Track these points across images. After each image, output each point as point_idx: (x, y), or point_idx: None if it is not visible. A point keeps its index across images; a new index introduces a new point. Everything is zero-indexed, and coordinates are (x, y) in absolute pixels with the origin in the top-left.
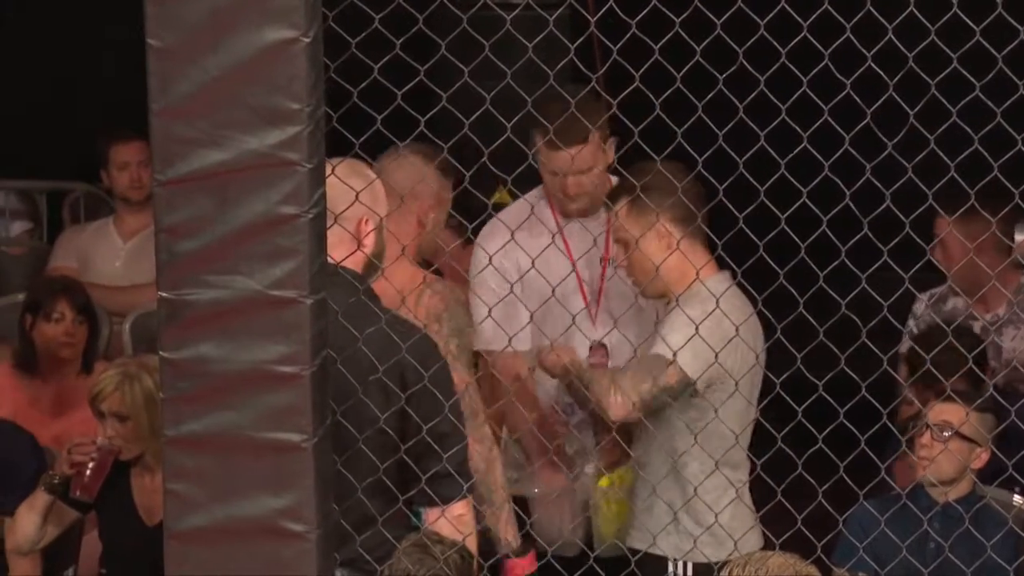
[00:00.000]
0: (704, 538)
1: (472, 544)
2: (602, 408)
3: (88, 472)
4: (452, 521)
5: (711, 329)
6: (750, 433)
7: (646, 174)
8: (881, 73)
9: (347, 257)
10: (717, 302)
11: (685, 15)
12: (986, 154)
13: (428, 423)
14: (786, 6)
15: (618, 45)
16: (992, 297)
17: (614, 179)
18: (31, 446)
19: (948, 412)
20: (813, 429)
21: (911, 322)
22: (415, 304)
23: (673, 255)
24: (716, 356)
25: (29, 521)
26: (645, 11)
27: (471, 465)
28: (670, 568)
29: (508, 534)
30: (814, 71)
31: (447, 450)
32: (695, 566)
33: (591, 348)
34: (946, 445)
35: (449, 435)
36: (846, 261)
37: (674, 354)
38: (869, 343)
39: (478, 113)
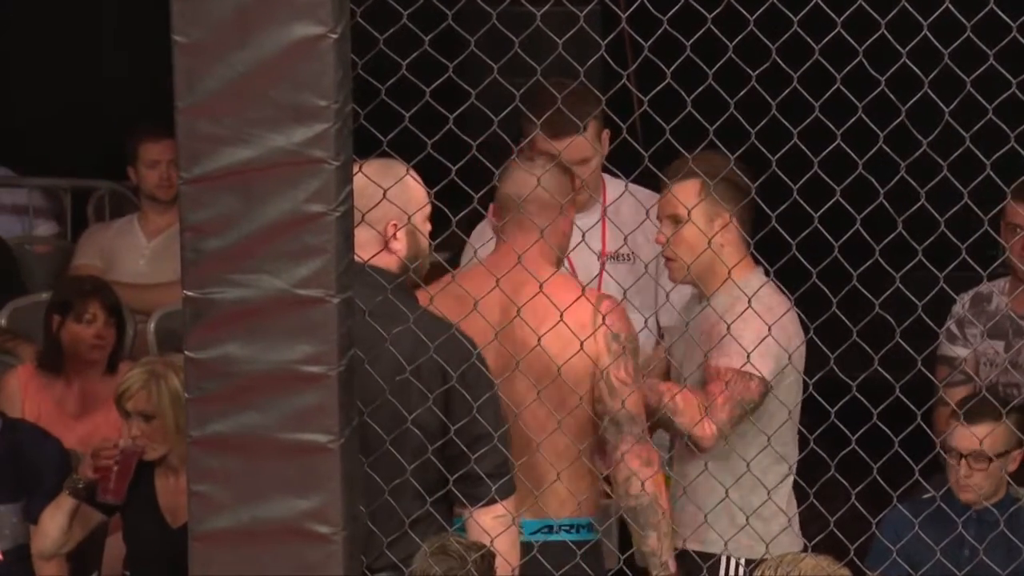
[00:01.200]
0: (757, 534)
1: (513, 545)
2: (694, 439)
3: (113, 476)
4: (492, 522)
5: (777, 329)
6: (796, 429)
7: (713, 162)
8: (916, 70)
9: (375, 256)
10: (749, 301)
11: (717, 11)
12: (1022, 151)
13: (470, 423)
14: (820, 3)
15: (649, 41)
16: None
17: (606, 177)
18: (58, 452)
19: (977, 436)
20: (846, 430)
21: (951, 323)
22: (591, 326)
23: (725, 251)
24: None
25: (55, 526)
26: (677, 7)
27: (634, 490)
28: (722, 565)
29: (670, 561)
30: (848, 68)
31: (486, 451)
32: (748, 562)
33: None
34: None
35: (489, 435)
36: (880, 260)
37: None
38: (903, 343)
39: (507, 110)
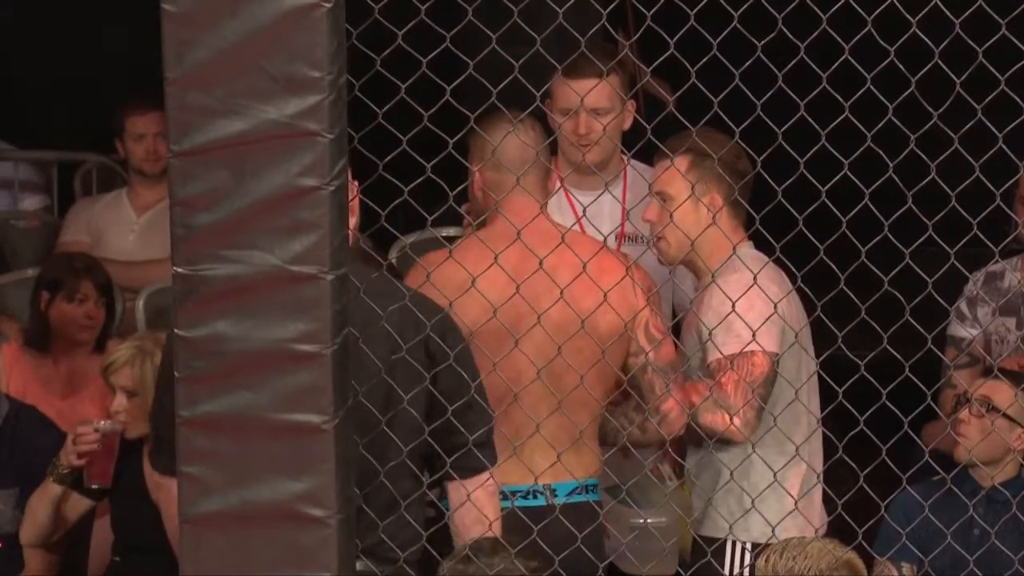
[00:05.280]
0: (765, 518)
1: (496, 513)
2: (725, 436)
3: (98, 459)
4: (481, 491)
5: (764, 298)
6: (817, 406)
7: (709, 140)
8: (926, 40)
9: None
10: (755, 278)
11: None
12: None
13: (454, 397)
14: None
15: (652, 10)
16: None
17: (626, 158)
18: (58, 442)
19: (990, 390)
20: (854, 410)
21: (961, 303)
22: (632, 284)
23: (712, 231)
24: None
25: (42, 513)
26: None
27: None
28: (728, 549)
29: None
30: (856, 38)
31: (473, 422)
32: (755, 546)
33: None
34: (992, 424)
35: (474, 407)
36: (889, 236)
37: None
38: (913, 321)
39: (507, 81)
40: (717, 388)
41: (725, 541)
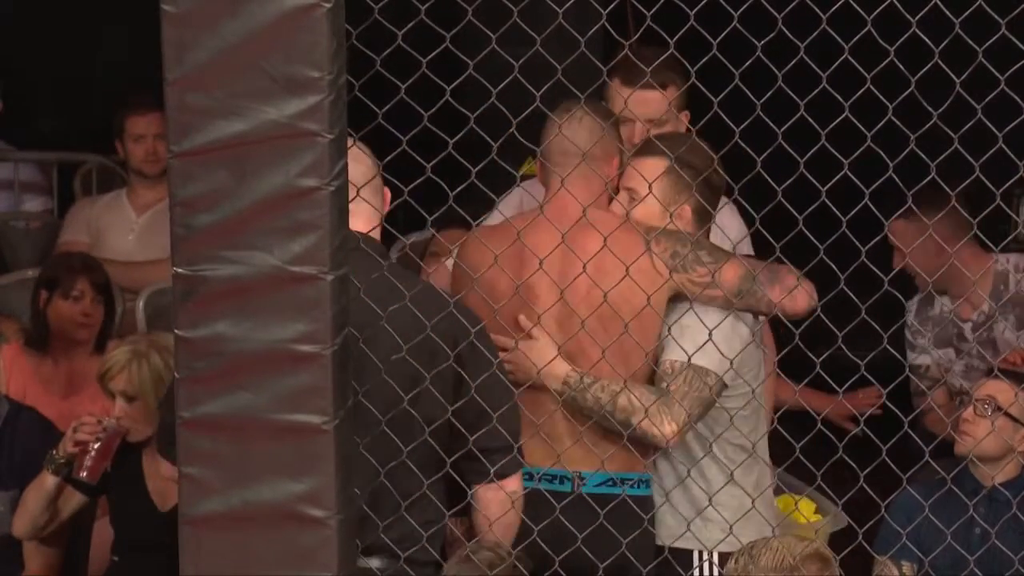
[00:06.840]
0: (726, 526)
1: (510, 526)
2: (655, 439)
3: (92, 453)
4: (498, 499)
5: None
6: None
7: (688, 148)
8: (926, 39)
9: (373, 229)
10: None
11: None
12: None
13: (480, 395)
14: None
15: (652, 10)
16: (974, 292)
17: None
18: (56, 442)
19: (994, 389)
20: (855, 411)
21: (908, 334)
22: (649, 266)
23: None
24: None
25: (34, 504)
26: None
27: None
28: (695, 560)
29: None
30: (856, 38)
31: (500, 423)
32: (721, 555)
33: None
34: (993, 424)
35: (503, 407)
36: (889, 235)
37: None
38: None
39: (506, 81)
40: (663, 392)
41: (692, 552)
